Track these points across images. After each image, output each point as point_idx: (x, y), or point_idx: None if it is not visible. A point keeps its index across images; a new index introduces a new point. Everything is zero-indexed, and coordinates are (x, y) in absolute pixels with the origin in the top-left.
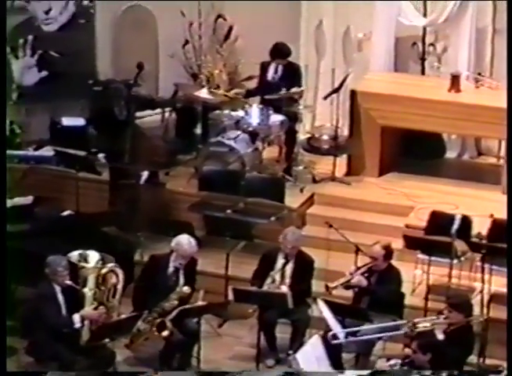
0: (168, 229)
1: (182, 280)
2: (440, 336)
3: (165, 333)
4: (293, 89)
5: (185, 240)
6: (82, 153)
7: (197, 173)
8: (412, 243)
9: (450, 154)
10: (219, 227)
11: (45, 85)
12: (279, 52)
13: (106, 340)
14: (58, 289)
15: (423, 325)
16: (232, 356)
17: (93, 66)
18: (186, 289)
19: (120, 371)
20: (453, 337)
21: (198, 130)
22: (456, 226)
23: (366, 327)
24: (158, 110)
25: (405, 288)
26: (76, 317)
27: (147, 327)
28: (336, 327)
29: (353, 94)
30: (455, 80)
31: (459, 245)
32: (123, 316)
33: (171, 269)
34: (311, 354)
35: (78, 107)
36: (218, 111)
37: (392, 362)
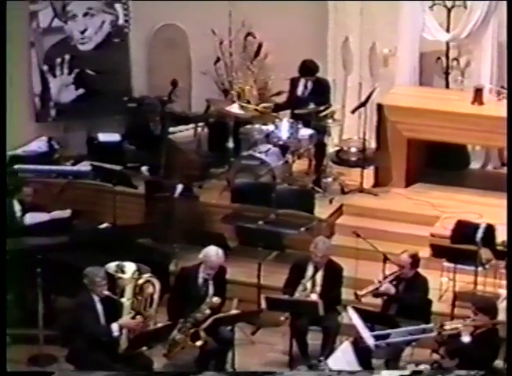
0: (202, 240)
1: (211, 290)
2: (466, 338)
3: (199, 343)
4: (324, 110)
5: (212, 252)
6: (118, 167)
7: (229, 186)
8: (438, 251)
9: (474, 165)
10: (251, 238)
11: (82, 103)
12: (308, 69)
13: (144, 348)
14: (97, 299)
15: (451, 327)
16: (266, 363)
17: (128, 83)
18: (216, 299)
19: None
20: (480, 340)
21: (230, 144)
22: (480, 235)
23: (395, 330)
24: (191, 125)
25: (432, 295)
26: (114, 326)
27: (182, 337)
28: (366, 333)
29: (380, 108)
30: (478, 93)
31: (484, 253)
32: (159, 325)
33: (200, 280)
34: (342, 360)
35: (114, 123)
36: (249, 126)
37: (421, 367)
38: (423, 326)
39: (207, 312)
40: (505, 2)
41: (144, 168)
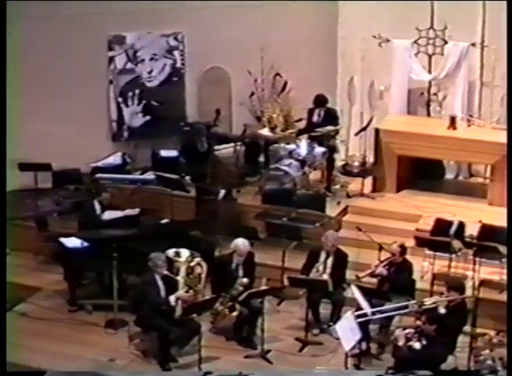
0: (239, 232)
1: (241, 273)
2: (442, 310)
3: (234, 313)
4: (331, 127)
5: (240, 242)
6: (175, 176)
7: (261, 191)
8: (421, 242)
9: (449, 176)
10: (277, 231)
11: (148, 126)
12: (320, 101)
13: (194, 315)
14: (158, 277)
15: (429, 302)
16: (287, 327)
17: (183, 111)
18: (245, 280)
19: None
20: (452, 311)
21: (261, 159)
22: (453, 229)
23: (387, 306)
24: (231, 144)
25: (416, 276)
26: (172, 298)
27: (222, 309)
28: (365, 305)
29: (377, 131)
30: (452, 120)
31: (456, 243)
32: (206, 298)
33: (234, 265)
34: (346, 325)
35: (172, 142)
36: (276, 145)
37: (407, 331)
38: (409, 302)
39: (240, 289)
40: (473, 50)
41: (187, 178)
